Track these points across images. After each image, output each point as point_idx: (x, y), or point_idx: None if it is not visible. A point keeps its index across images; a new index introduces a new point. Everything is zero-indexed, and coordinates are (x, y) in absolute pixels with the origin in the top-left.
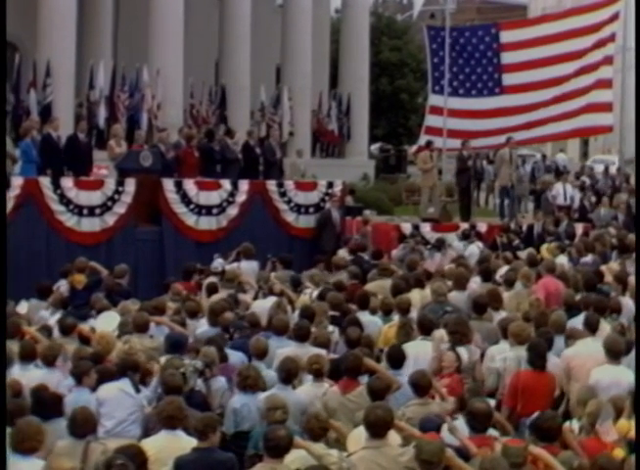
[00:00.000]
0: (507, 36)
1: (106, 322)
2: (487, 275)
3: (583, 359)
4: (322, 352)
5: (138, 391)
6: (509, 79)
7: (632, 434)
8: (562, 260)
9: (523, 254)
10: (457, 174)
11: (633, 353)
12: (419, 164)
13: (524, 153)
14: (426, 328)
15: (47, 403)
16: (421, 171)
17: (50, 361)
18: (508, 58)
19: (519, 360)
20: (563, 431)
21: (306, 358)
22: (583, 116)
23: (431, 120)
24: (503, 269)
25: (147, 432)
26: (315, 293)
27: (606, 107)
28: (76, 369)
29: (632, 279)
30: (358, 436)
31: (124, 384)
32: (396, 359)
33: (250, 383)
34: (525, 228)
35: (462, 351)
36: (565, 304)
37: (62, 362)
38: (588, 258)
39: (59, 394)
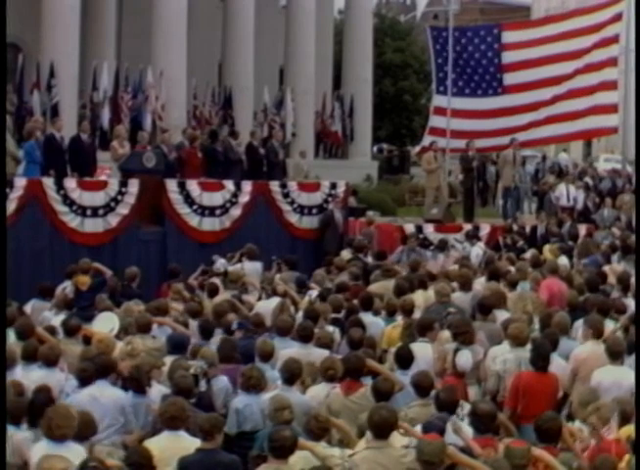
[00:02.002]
0: (509, 37)
1: (101, 323)
2: (494, 276)
3: (590, 360)
4: (325, 353)
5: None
6: (511, 79)
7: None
8: (564, 261)
9: (527, 255)
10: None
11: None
12: (423, 165)
13: (526, 154)
14: (425, 329)
15: (40, 406)
16: (425, 172)
17: (51, 362)
18: (510, 57)
19: (519, 362)
20: (562, 432)
21: (319, 362)
22: (588, 118)
23: (435, 121)
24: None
25: (154, 432)
26: (315, 294)
27: (611, 108)
28: (81, 372)
29: (633, 280)
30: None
31: (97, 389)
32: (405, 359)
33: (253, 383)
34: (528, 229)
35: (466, 353)
36: (568, 305)
37: (63, 363)
38: (589, 259)
39: (53, 397)
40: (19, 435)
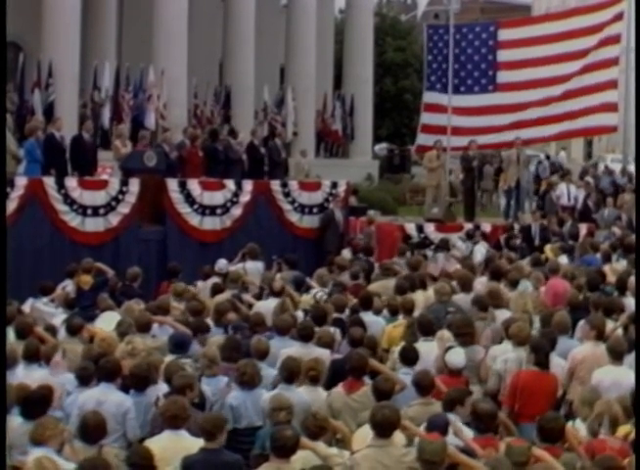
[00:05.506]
0: (506, 34)
1: (105, 323)
2: (496, 275)
3: (588, 361)
4: (326, 352)
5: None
6: (505, 77)
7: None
8: (564, 261)
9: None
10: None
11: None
12: (425, 163)
13: (528, 153)
14: (426, 329)
15: (33, 402)
16: (427, 170)
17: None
18: (505, 55)
19: (520, 361)
20: (566, 432)
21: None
22: (589, 116)
23: (426, 118)
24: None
25: (154, 431)
26: (320, 293)
27: (611, 107)
28: (82, 370)
29: (632, 279)
30: (364, 436)
31: (101, 393)
32: (411, 358)
33: (246, 379)
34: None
35: (457, 351)
36: (569, 304)
37: (59, 359)
38: (584, 259)
39: (46, 393)
40: None
